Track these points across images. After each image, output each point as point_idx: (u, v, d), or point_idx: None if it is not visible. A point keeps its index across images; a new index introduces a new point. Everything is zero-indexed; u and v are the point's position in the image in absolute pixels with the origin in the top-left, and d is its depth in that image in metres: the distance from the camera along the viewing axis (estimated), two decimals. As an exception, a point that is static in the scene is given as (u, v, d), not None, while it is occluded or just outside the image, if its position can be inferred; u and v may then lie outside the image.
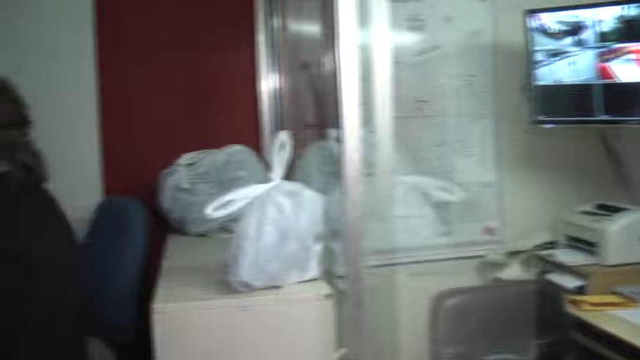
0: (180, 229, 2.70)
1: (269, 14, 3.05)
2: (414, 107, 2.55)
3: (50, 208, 1.60)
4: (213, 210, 1.69)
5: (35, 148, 1.58)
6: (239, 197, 1.72)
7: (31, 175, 1.52)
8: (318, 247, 1.74)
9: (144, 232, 2.39)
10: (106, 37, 2.96)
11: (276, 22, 3.04)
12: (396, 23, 1.86)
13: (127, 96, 3.01)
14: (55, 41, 2.91)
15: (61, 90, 2.91)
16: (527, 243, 2.54)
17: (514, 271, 2.52)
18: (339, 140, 1.55)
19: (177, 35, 3.03)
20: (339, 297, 1.63)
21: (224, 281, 1.70)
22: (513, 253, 2.56)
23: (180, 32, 3.03)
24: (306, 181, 1.95)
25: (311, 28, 2.74)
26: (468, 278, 2.46)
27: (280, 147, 1.73)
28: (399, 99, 1.77)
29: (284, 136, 1.74)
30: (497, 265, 2.54)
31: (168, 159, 2.81)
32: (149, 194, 2.78)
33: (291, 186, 1.74)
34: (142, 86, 3.02)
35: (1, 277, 1.38)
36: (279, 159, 1.74)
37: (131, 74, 3.01)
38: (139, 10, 3.01)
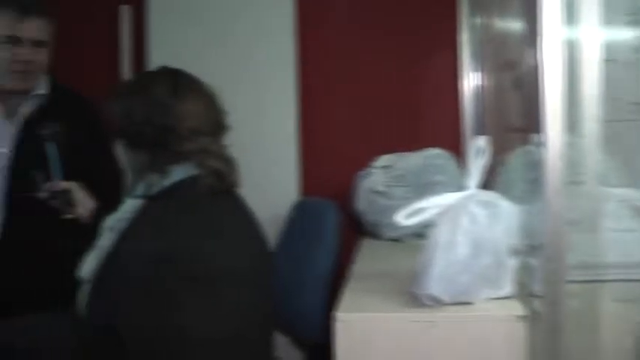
0: (373, 233, 2.66)
1: (472, 12, 2.92)
2: (629, 110, 2.30)
3: (239, 213, 1.60)
4: (404, 217, 1.61)
5: (228, 154, 1.59)
6: (431, 205, 1.63)
7: (221, 180, 1.52)
8: (513, 263, 1.61)
9: (337, 234, 2.37)
10: (305, 36, 2.99)
11: (479, 20, 2.90)
12: (611, 18, 1.69)
13: (326, 97, 3.02)
14: (254, 41, 2.99)
15: (261, 91, 2.97)
16: None
17: None
18: (540, 145, 1.42)
19: (377, 36, 2.99)
20: (533, 319, 1.49)
21: (412, 292, 1.62)
22: None
23: (380, 34, 3.00)
24: (507, 190, 1.82)
25: (516, 25, 2.58)
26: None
27: (478, 153, 1.62)
28: (612, 101, 1.59)
29: (482, 141, 1.62)
30: None
31: (365, 161, 2.77)
32: (344, 196, 2.77)
33: (487, 195, 1.62)
34: (340, 88, 3.02)
35: (183, 287, 1.39)
36: (476, 166, 1.62)
37: (330, 75, 3.02)
38: (339, 7, 3.02)
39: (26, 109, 2.22)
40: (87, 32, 3.12)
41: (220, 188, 1.52)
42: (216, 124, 1.57)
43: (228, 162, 1.57)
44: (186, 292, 1.38)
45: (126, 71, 3.11)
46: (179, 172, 1.50)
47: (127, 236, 1.44)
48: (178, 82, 1.55)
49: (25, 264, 2.16)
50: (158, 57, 2.95)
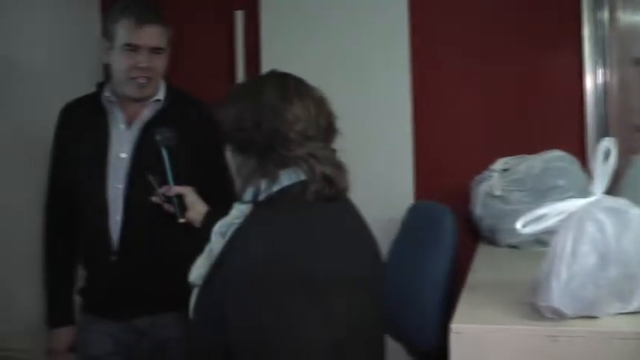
0: (490, 239, 2.57)
1: (595, 6, 2.77)
2: None
3: (349, 220, 1.56)
4: (524, 225, 1.53)
5: (338, 159, 1.56)
6: (553, 212, 1.53)
7: (330, 186, 1.49)
8: (644, 275, 1.49)
9: (453, 239, 2.30)
10: (419, 36, 2.93)
11: (604, 14, 2.75)
12: None
13: (441, 98, 2.95)
14: (368, 43, 2.96)
15: (376, 93, 2.94)
16: None
17: None
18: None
19: (494, 34, 2.89)
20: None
21: (531, 304, 1.54)
22: None
23: (497, 32, 2.89)
24: (635, 195, 1.69)
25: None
26: None
27: (604, 156, 1.51)
28: None
29: (608, 143, 1.51)
30: None
31: (482, 164, 2.68)
32: (460, 200, 2.69)
33: (615, 202, 1.51)
34: (455, 88, 2.94)
35: (289, 293, 1.37)
36: (602, 170, 1.52)
37: (444, 75, 2.95)
38: (454, 8, 2.94)
39: (145, 115, 2.27)
40: (202, 37, 3.18)
41: (329, 194, 1.49)
42: (325, 128, 1.54)
43: (338, 167, 1.53)
44: (292, 297, 1.36)
45: (241, 75, 3.15)
46: (288, 178, 1.48)
47: (235, 241, 1.44)
48: (287, 86, 1.53)
49: (141, 266, 2.21)
50: (271, 61, 2.97)
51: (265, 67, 2.97)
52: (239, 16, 3.18)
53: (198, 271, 1.57)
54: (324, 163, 1.49)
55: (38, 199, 2.45)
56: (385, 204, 2.76)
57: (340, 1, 3.02)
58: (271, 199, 1.46)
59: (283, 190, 1.47)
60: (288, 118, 1.48)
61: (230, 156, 1.57)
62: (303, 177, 1.47)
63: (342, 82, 2.81)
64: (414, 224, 2.58)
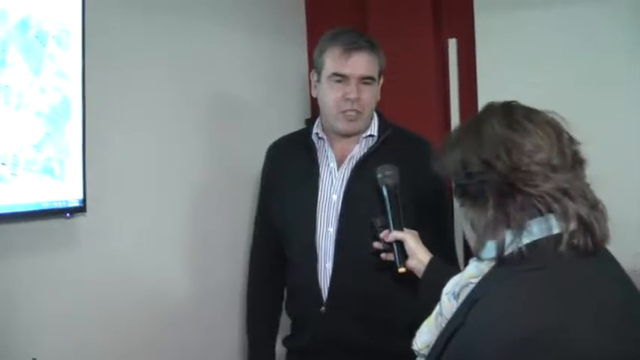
0: None
1: None
2: None
3: (614, 283, 1.22)
4: None
5: (594, 197, 1.24)
6: None
7: (590, 236, 1.17)
8: None
9: None
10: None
11: None
12: None
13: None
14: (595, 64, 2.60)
15: (613, 117, 2.57)
16: None
17: None
18: None
19: None
20: None
21: None
22: None
23: None
24: None
25: None
26: None
27: None
28: None
29: None
30: None
31: None
32: None
33: None
34: None
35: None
36: None
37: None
38: None
39: (356, 152, 2.09)
40: (415, 67, 2.97)
41: (587, 246, 1.18)
42: (570, 156, 1.23)
43: (595, 207, 1.21)
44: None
45: (455, 107, 2.92)
46: (539, 229, 1.18)
47: (477, 308, 1.16)
48: (514, 114, 1.25)
49: (352, 320, 2.02)
50: (488, 91, 2.71)
51: (482, 99, 2.72)
52: (452, 45, 2.96)
53: (422, 337, 1.33)
54: (580, 201, 1.17)
55: (244, 238, 2.39)
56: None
57: (564, 21, 2.69)
58: (521, 256, 1.17)
59: (533, 245, 1.17)
60: (527, 148, 1.19)
61: (461, 210, 1.29)
62: (556, 229, 1.17)
63: (575, 109, 2.47)
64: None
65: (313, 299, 2.05)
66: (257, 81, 2.91)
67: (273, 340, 2.26)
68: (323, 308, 2.04)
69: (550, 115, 1.27)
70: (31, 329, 2.04)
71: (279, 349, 2.28)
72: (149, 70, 2.43)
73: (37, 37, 1.96)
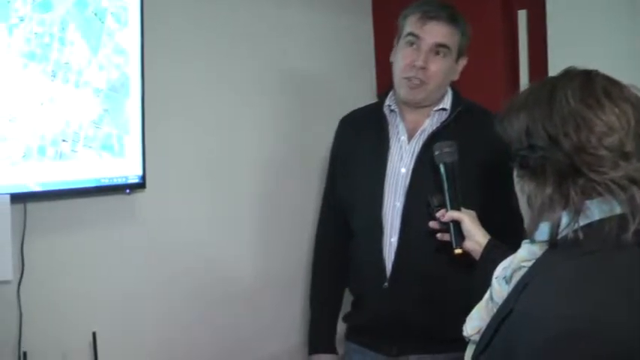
0: None
1: None
2: None
3: None
4: None
5: None
6: None
7: None
8: None
9: None
10: None
11: None
12: None
13: None
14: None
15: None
16: None
17: None
18: None
19: None
20: None
21: None
22: None
23: None
24: None
25: None
26: None
27: None
28: None
29: None
30: None
31: None
32: None
33: None
34: None
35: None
36: None
37: None
38: None
39: (427, 125, 2.04)
40: (482, 39, 2.86)
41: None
42: None
43: None
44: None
45: (525, 80, 2.81)
46: (599, 210, 1.09)
47: (525, 294, 1.09)
48: (594, 86, 1.15)
49: (413, 298, 1.98)
50: (559, 64, 2.57)
51: (553, 73, 2.60)
52: (522, 16, 2.84)
53: (473, 323, 1.28)
54: None
55: (313, 213, 2.37)
56: None
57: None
58: (575, 239, 1.09)
59: (591, 228, 1.09)
60: (598, 128, 1.10)
61: (517, 182, 1.22)
62: (619, 210, 1.09)
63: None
64: None
65: (376, 275, 2.01)
66: (322, 56, 2.86)
67: (335, 317, 2.23)
68: (386, 284, 2.00)
69: (633, 93, 1.17)
70: (91, 304, 2.07)
71: (340, 326, 2.25)
72: (210, 45, 2.42)
73: (95, 14, 1.97)
